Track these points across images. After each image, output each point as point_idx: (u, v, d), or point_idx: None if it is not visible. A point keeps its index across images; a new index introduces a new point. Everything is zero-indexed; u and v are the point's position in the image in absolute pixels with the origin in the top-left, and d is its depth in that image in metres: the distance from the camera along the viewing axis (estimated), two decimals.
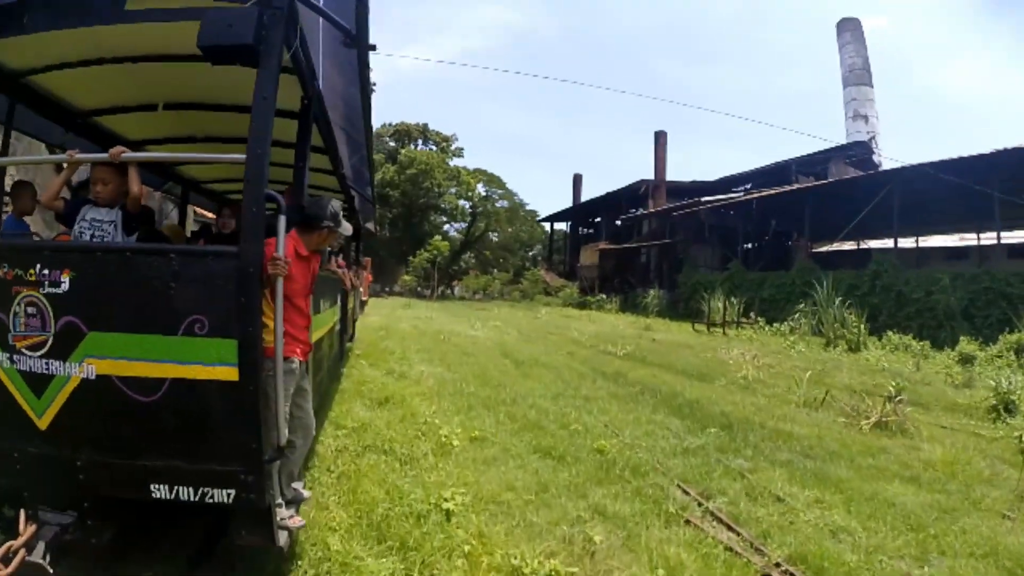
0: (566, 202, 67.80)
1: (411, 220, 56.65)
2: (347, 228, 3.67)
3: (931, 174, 23.74)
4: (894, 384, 9.70)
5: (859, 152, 43.17)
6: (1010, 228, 30.36)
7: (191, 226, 9.28)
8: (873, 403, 8.73)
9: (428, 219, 59.03)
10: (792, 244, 42.08)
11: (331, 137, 4.77)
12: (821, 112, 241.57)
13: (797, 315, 24.45)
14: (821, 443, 6.96)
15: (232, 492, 2.87)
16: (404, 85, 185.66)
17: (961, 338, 18.06)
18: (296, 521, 3.32)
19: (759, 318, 25.63)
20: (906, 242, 34.03)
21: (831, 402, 9.31)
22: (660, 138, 48.58)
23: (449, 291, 60.53)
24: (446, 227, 63.57)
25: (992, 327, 20.01)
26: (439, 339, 14.98)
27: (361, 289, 21.26)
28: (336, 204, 3.60)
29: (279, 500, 3.14)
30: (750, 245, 42.81)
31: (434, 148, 60.95)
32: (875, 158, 43.11)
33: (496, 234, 72.51)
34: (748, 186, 45.15)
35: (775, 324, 24.38)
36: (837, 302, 20.85)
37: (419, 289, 52.64)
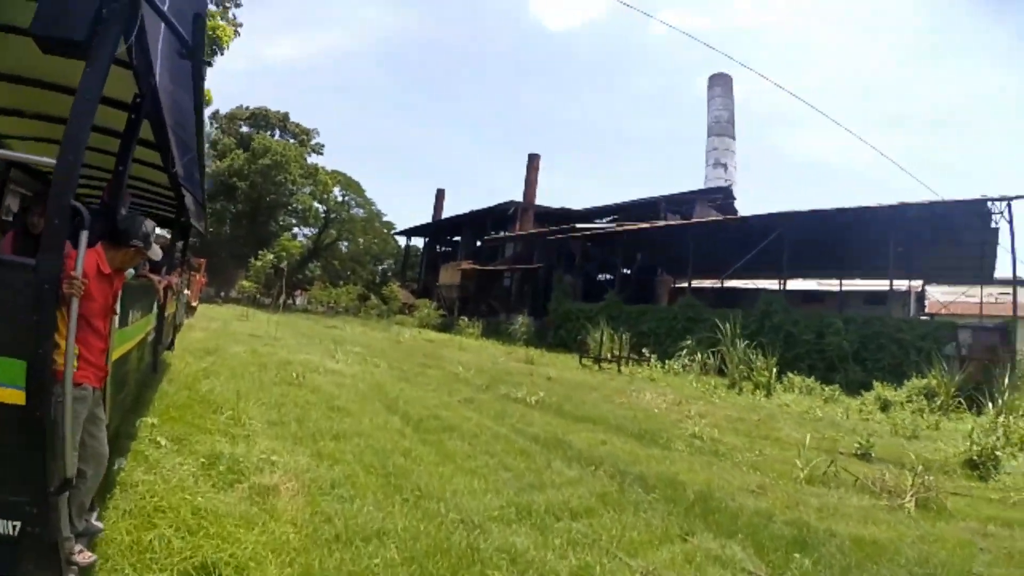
0: (422, 217, 67.78)
1: (257, 218, 51.70)
2: (156, 252, 3.63)
3: (813, 221, 25.39)
4: (860, 441, 9.68)
5: (722, 196, 45.53)
6: (865, 277, 34.32)
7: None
8: (884, 473, 7.91)
9: (276, 219, 54.29)
10: (657, 279, 42.88)
11: (164, 135, 4.64)
12: (676, 156, 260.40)
13: (684, 352, 24.27)
14: (914, 548, 5.59)
15: (18, 524, 2.73)
16: (269, 75, 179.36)
17: (875, 383, 18.59)
18: (86, 557, 3.17)
19: (650, 355, 24.62)
20: (769, 283, 36.77)
21: (837, 473, 8.08)
22: (533, 160, 48.17)
23: (291, 301, 57.73)
24: (295, 230, 59.24)
25: (883, 370, 21.01)
26: (290, 378, 10.23)
27: (189, 292, 20.05)
28: (150, 225, 3.50)
29: (67, 534, 2.97)
30: (610, 277, 43.79)
31: (292, 141, 56.45)
32: (735, 204, 47.01)
33: (347, 244, 69.11)
34: (613, 217, 45.96)
35: (667, 361, 23.74)
36: (743, 343, 20.62)
37: (259, 297, 47.01)
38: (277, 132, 56.77)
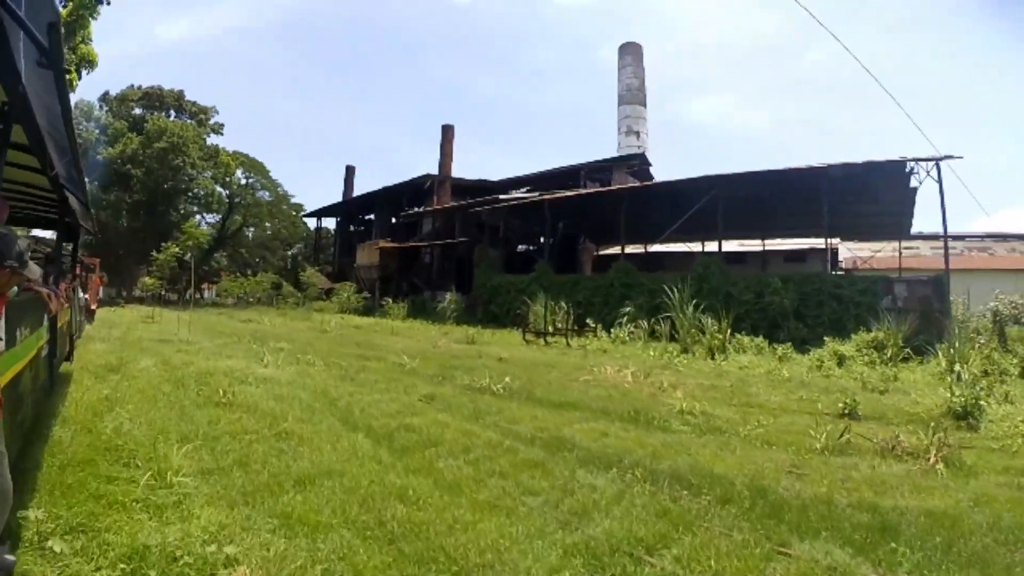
0: (332, 198, 64.45)
1: (156, 207, 46.96)
2: (34, 271, 3.41)
3: (741, 183, 25.50)
4: (846, 401, 9.27)
5: (639, 163, 45.20)
6: (786, 236, 35.18)
7: None
8: (898, 434, 7.46)
9: (177, 207, 49.61)
10: (580, 247, 42.47)
11: (39, 139, 4.09)
12: (586, 126, 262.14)
13: (625, 319, 23.86)
14: (979, 514, 5.20)
15: None
16: (164, 57, 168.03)
17: (826, 339, 18.81)
18: None
19: (594, 325, 23.60)
20: (691, 246, 37.05)
21: (850, 439, 7.48)
22: (447, 132, 46.35)
23: (200, 295, 54.05)
24: (197, 217, 54.56)
25: (824, 325, 21.50)
26: (216, 395, 8.19)
27: (87, 296, 17.99)
28: (23, 243, 3.28)
29: None
30: (530, 247, 44.22)
31: (190, 121, 51.30)
32: (651, 170, 46.90)
33: (254, 230, 66.04)
34: (529, 188, 45.08)
35: (611, 331, 23.18)
36: (691, 307, 20.09)
37: (165, 294, 44.00)
38: (173, 113, 51.76)
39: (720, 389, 11.45)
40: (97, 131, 46.04)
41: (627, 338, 22.30)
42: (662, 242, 35.21)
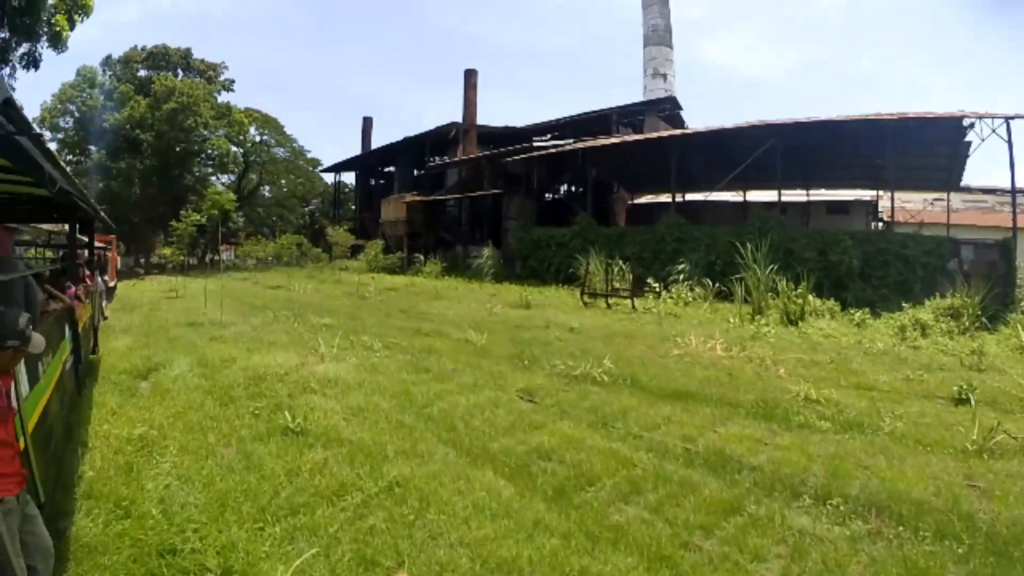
0: (347, 152, 62.51)
1: (169, 172, 43.94)
2: (39, 344, 2.99)
3: (794, 132, 23.92)
4: (961, 384, 8.38)
5: (670, 107, 42.35)
6: (828, 187, 33.09)
7: None
8: None
9: (191, 169, 46.28)
10: (614, 196, 40.23)
11: (30, 158, 3.45)
12: (605, 68, 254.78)
13: (682, 276, 22.11)
14: None
15: None
16: (168, 20, 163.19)
17: (903, 303, 17.52)
18: None
19: (655, 284, 21.53)
20: (732, 196, 34.98)
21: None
22: (470, 77, 43.23)
23: (218, 258, 51.93)
24: (212, 179, 50.98)
25: (888, 287, 20.41)
26: (275, 414, 6.35)
27: (106, 278, 16.57)
28: (24, 319, 2.88)
29: None
30: (555, 196, 42.08)
31: (199, 79, 47.44)
32: (682, 114, 44.12)
33: (269, 188, 63.60)
34: (555, 134, 42.34)
35: (671, 289, 21.45)
36: (768, 267, 18.30)
37: (188, 260, 41.96)
38: (180, 72, 48.12)
39: (822, 366, 10.44)
40: (102, 97, 43.15)
41: (689, 298, 20.45)
42: (706, 191, 32.85)
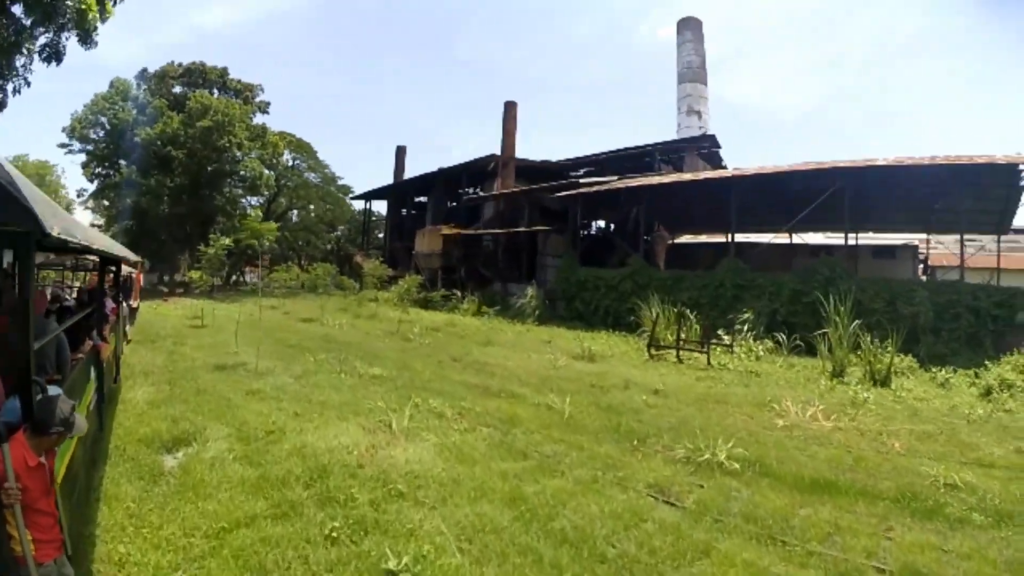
0: (378, 181, 61.37)
1: (199, 191, 41.92)
2: (81, 428, 3.21)
3: (846, 176, 22.41)
4: None
5: (709, 145, 40.93)
6: (875, 231, 31.41)
7: None
8: None
9: (221, 190, 43.82)
10: (655, 235, 38.28)
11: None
12: (637, 104, 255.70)
13: (746, 327, 20.29)
14: None
15: None
16: (204, 43, 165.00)
17: (974, 358, 16.95)
18: None
19: (729, 338, 19.35)
20: (781, 237, 33.00)
21: None
22: (510, 109, 41.56)
23: (243, 279, 50.16)
24: (243, 201, 48.38)
25: (959, 340, 19.19)
26: (357, 541, 4.61)
27: (130, 303, 15.37)
28: (67, 406, 3.10)
29: None
30: (590, 233, 40.41)
31: (235, 100, 45.69)
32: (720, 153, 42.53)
33: (298, 212, 62.31)
34: (589, 169, 41.78)
35: (744, 343, 19.35)
36: (848, 320, 16.62)
37: (216, 283, 39.58)
38: (215, 91, 46.73)
39: (934, 438, 9.60)
40: (135, 111, 41.62)
41: (760, 351, 18.54)
42: (749, 232, 31.01)
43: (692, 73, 71.53)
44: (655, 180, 29.53)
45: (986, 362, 16.20)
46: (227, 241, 29.70)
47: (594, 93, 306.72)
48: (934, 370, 15.97)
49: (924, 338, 19.12)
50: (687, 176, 30.64)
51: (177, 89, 45.60)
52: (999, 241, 26.84)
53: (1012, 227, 29.80)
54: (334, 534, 4.61)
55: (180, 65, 46.45)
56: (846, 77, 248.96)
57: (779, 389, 13.17)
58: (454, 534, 4.78)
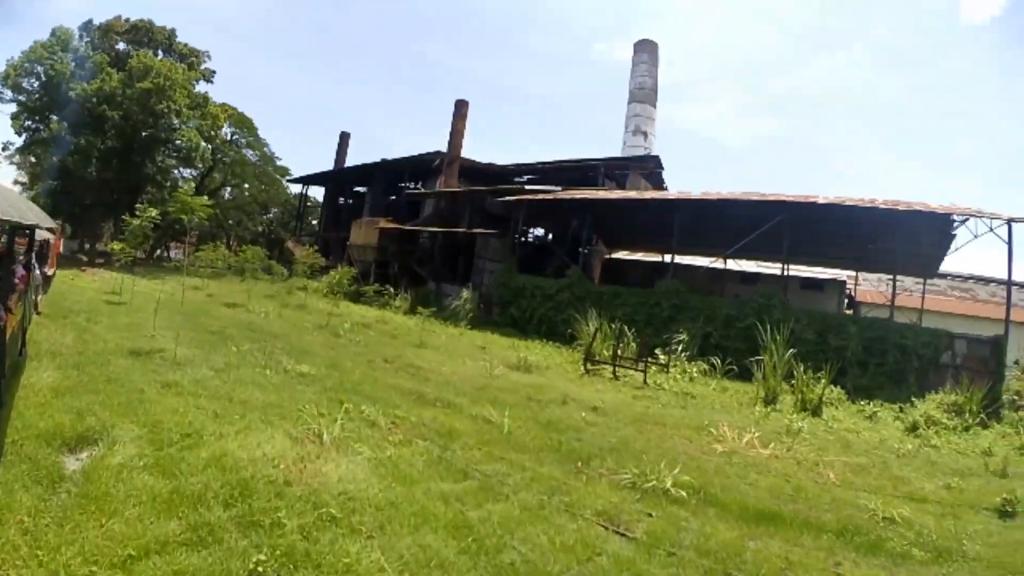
0: (318, 168, 59.81)
1: (131, 156, 39.34)
2: None
3: (798, 209, 22.95)
4: (1006, 496, 8.19)
5: (653, 165, 41.58)
6: (805, 264, 32.44)
7: None
8: None
9: (154, 158, 41.54)
10: (594, 249, 38.45)
11: None
12: (582, 119, 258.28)
13: (680, 347, 20.44)
14: None
15: None
16: (155, 4, 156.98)
17: (898, 393, 17.86)
18: None
19: (667, 357, 19.63)
20: (704, 261, 33.61)
21: None
22: (461, 108, 41.35)
23: (166, 255, 47.63)
24: (175, 172, 46.21)
25: (884, 375, 19.88)
26: None
27: (45, 269, 15.09)
28: None
29: None
30: (532, 241, 40.94)
31: (180, 64, 42.83)
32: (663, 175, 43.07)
33: (232, 190, 59.83)
34: (533, 177, 42.05)
35: (679, 363, 19.55)
36: (782, 349, 16.76)
37: (139, 256, 36.67)
38: (160, 53, 43.83)
39: (868, 471, 9.81)
40: (73, 63, 38.50)
41: (694, 373, 18.73)
42: (683, 254, 31.55)
43: (643, 94, 73.00)
44: (602, 194, 29.63)
45: (912, 398, 17.04)
46: (154, 213, 28.58)
47: (545, 106, 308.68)
48: (861, 403, 16.65)
49: (851, 371, 19.80)
50: (633, 193, 30.90)
51: (121, 46, 42.93)
52: (924, 283, 28.19)
53: (949, 272, 31.64)
54: (260, 568, 4.03)
55: (127, 20, 43.60)
56: (792, 118, 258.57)
57: (715, 413, 13.25)
58: (396, 569, 4.33)
